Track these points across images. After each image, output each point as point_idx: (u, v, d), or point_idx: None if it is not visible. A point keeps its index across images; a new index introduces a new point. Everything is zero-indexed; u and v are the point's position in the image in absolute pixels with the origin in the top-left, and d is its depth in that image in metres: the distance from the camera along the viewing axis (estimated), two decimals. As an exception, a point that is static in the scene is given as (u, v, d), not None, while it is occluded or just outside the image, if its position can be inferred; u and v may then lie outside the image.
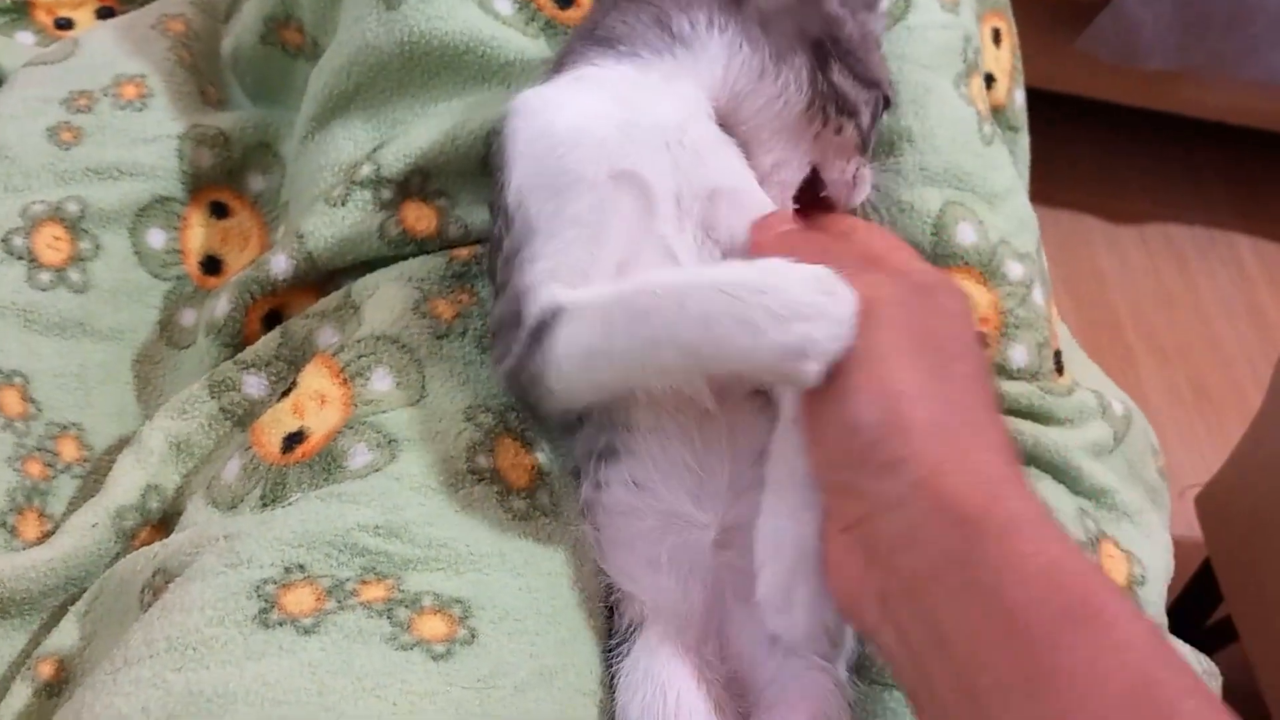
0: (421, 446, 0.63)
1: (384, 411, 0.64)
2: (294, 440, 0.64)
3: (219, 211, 0.82)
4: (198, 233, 0.81)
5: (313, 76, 0.78)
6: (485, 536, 0.60)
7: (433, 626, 0.56)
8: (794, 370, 0.51)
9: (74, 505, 0.70)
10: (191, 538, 0.60)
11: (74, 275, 0.75)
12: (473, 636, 0.56)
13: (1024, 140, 0.91)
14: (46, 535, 0.68)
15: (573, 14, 0.76)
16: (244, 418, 0.69)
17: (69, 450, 0.71)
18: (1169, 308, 2.27)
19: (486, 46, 0.72)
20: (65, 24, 0.98)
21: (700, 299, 0.52)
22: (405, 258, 0.71)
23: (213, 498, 0.65)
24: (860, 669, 0.63)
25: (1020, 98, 0.90)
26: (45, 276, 0.74)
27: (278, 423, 0.65)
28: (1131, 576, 0.72)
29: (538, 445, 0.65)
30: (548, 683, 0.57)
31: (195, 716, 0.50)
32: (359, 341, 0.66)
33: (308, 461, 0.62)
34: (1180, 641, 0.70)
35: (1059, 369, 0.79)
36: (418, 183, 0.71)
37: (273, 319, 0.73)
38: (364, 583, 0.57)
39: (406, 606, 0.56)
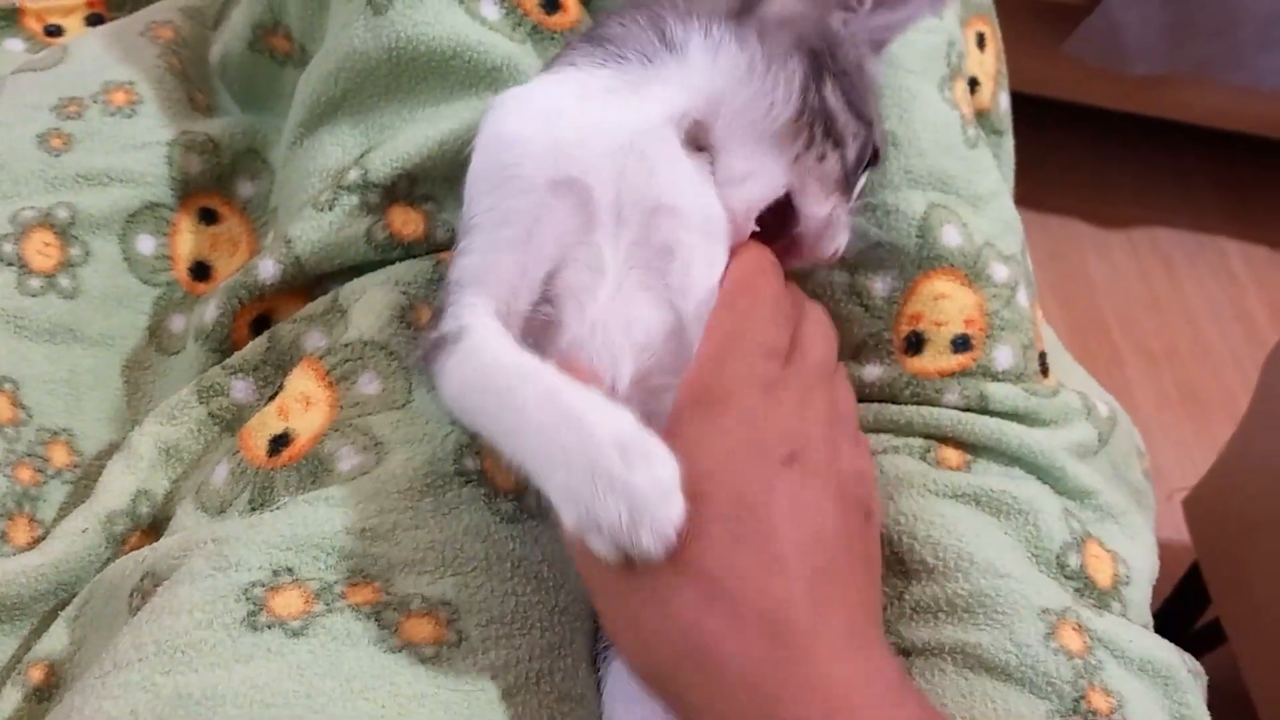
0: (408, 449, 0.63)
1: (370, 414, 0.64)
2: (280, 443, 0.64)
3: (208, 218, 0.82)
4: (187, 239, 0.81)
5: (301, 83, 0.78)
6: (473, 539, 0.61)
7: (421, 629, 0.56)
8: (591, 541, 0.50)
9: (64, 511, 0.70)
10: (180, 541, 0.61)
11: (64, 281, 0.75)
12: (461, 639, 0.56)
13: (1008, 144, 0.91)
14: (37, 541, 0.68)
15: (559, 19, 0.77)
16: (232, 422, 0.70)
17: (59, 456, 0.72)
18: (1157, 312, 2.28)
19: (473, 52, 0.72)
20: (55, 31, 0.99)
21: (553, 438, 0.52)
22: (392, 262, 0.71)
23: (201, 502, 0.65)
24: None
25: (1005, 101, 0.91)
26: (35, 282, 0.74)
27: (264, 426, 0.65)
28: (1116, 576, 0.72)
29: None
30: (535, 686, 0.58)
31: (184, 719, 0.50)
32: (346, 345, 0.67)
33: (295, 465, 0.63)
34: (1167, 641, 0.71)
35: (1044, 370, 0.79)
36: (404, 187, 0.72)
37: (261, 324, 0.73)
38: (352, 585, 0.57)
39: (395, 609, 0.56)
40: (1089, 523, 0.74)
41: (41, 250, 0.75)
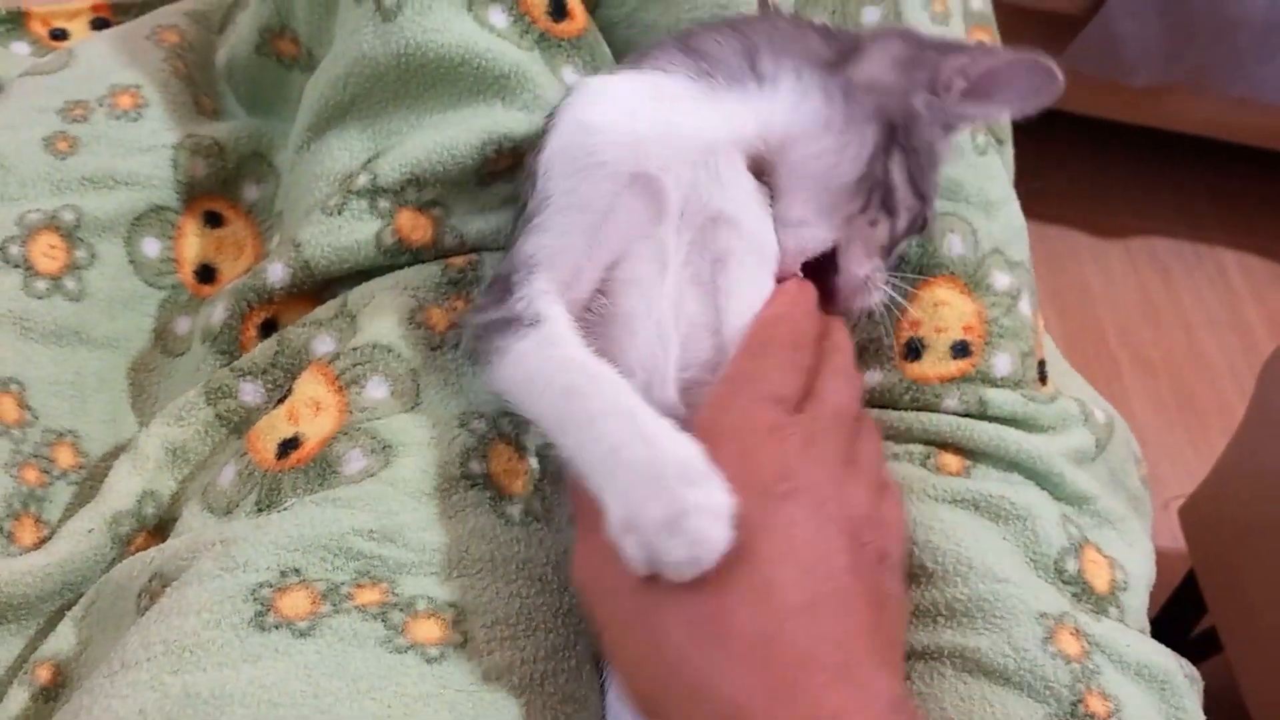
0: (416, 452, 0.63)
1: (379, 418, 0.64)
2: (289, 446, 0.64)
3: (213, 221, 0.83)
4: (192, 242, 0.81)
5: (308, 87, 0.79)
6: (478, 542, 0.61)
7: (427, 630, 0.56)
8: (626, 544, 0.52)
9: (70, 511, 0.70)
10: (188, 543, 0.61)
11: (70, 283, 0.75)
12: (466, 640, 0.57)
13: (1009, 152, 0.92)
14: (43, 541, 0.68)
15: (566, 26, 0.77)
16: (240, 425, 0.70)
17: (65, 457, 0.72)
18: (1154, 321, 2.29)
19: (482, 59, 0.73)
20: (60, 34, 0.99)
21: (621, 450, 0.54)
22: (401, 267, 0.72)
23: (208, 503, 0.65)
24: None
25: (1005, 111, 0.91)
26: (41, 285, 0.74)
27: (273, 429, 0.66)
28: (1114, 582, 0.73)
29: (530, 451, 0.66)
30: (540, 687, 0.58)
31: (192, 718, 0.51)
32: (355, 350, 0.67)
33: (303, 467, 0.63)
34: (1165, 647, 0.71)
35: (1043, 378, 0.80)
36: (413, 193, 0.72)
37: (268, 327, 0.73)
38: (359, 586, 0.57)
39: (401, 610, 0.57)
40: (1087, 528, 0.75)
41: (47, 253, 0.75)
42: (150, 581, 0.60)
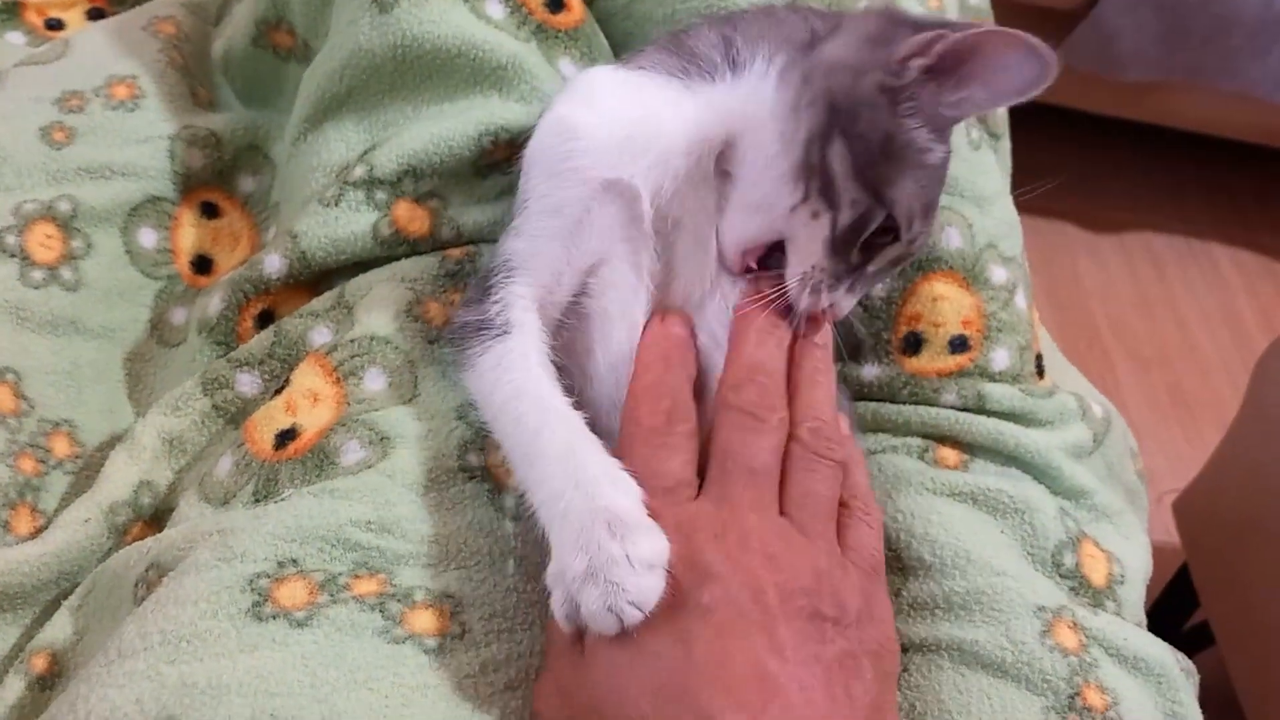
0: (413, 444, 0.63)
1: (377, 410, 0.64)
2: (286, 437, 0.64)
3: (210, 212, 0.82)
4: (189, 232, 0.81)
5: (305, 79, 0.78)
6: (476, 534, 0.61)
7: (425, 621, 0.57)
8: (554, 605, 0.53)
9: (66, 501, 0.70)
10: (185, 533, 0.61)
11: (66, 273, 0.75)
12: (464, 632, 0.57)
13: (1006, 147, 0.92)
14: (39, 530, 0.68)
15: (563, 18, 0.77)
16: (237, 415, 0.70)
17: (61, 446, 0.72)
18: (1147, 315, 2.29)
19: (478, 50, 0.72)
20: (56, 25, 0.99)
21: (560, 498, 0.55)
22: (398, 258, 0.72)
23: (205, 493, 0.65)
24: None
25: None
26: (38, 274, 0.74)
27: (270, 420, 0.65)
28: (1111, 576, 0.73)
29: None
30: (536, 679, 0.58)
31: (189, 708, 0.51)
32: (352, 341, 0.67)
33: (300, 458, 0.63)
34: (1159, 639, 0.71)
35: (1040, 372, 0.80)
36: (410, 184, 0.72)
37: (265, 318, 0.73)
38: (356, 577, 0.57)
39: (399, 601, 0.57)
40: (1084, 522, 0.75)
41: (44, 242, 0.75)
42: (147, 571, 0.60)
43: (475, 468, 0.63)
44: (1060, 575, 0.71)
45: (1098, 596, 0.72)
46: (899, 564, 0.69)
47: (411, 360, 0.67)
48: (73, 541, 0.66)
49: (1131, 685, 0.67)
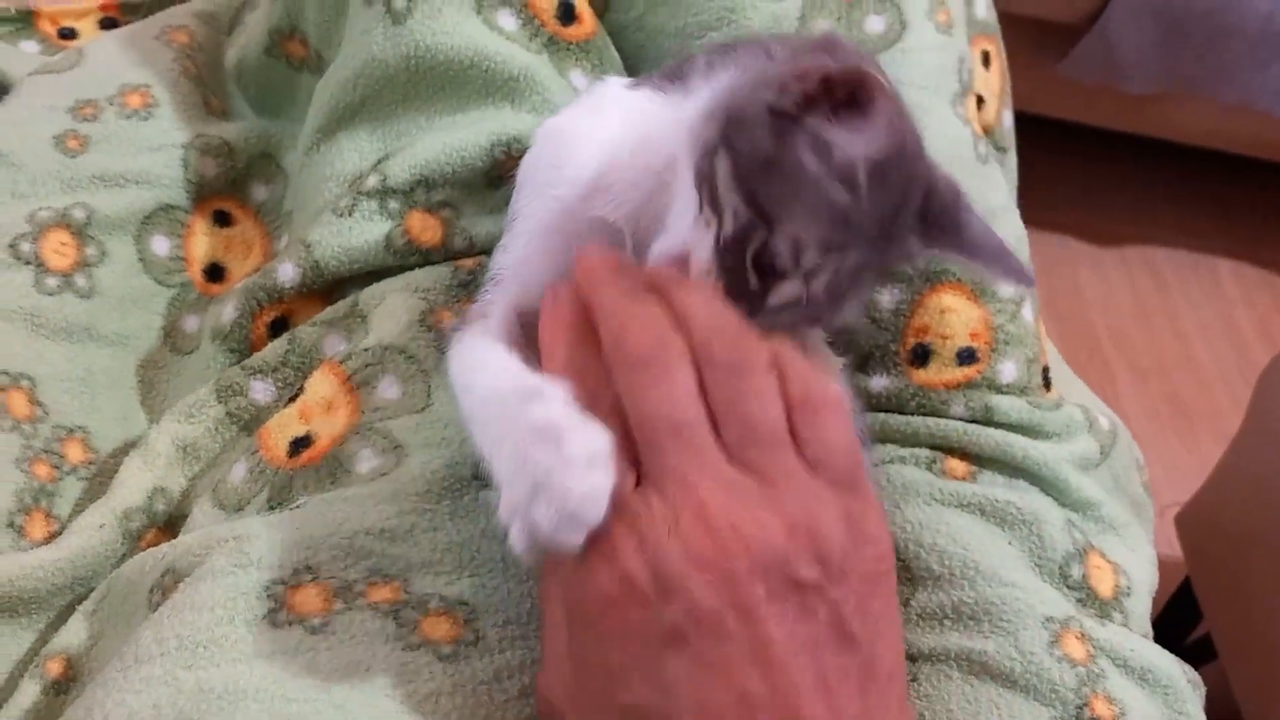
0: (427, 452, 0.64)
1: (391, 418, 0.65)
2: (300, 445, 0.65)
3: (222, 220, 0.83)
4: (201, 241, 0.82)
5: (318, 89, 0.79)
6: (490, 542, 0.61)
7: (439, 628, 0.57)
8: (515, 538, 0.48)
9: (80, 506, 0.70)
10: (200, 539, 0.61)
11: (80, 281, 0.76)
12: (478, 639, 0.57)
13: (1011, 161, 0.92)
14: (53, 536, 0.69)
15: (575, 30, 0.77)
16: (250, 423, 0.70)
17: (75, 453, 0.72)
18: (1148, 328, 2.30)
19: (491, 61, 0.73)
20: (69, 34, 0.99)
21: (498, 429, 0.51)
22: (410, 268, 0.72)
23: (219, 500, 0.66)
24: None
25: (1008, 119, 0.92)
26: (52, 282, 0.75)
27: (284, 427, 0.66)
28: (1118, 587, 0.73)
29: None
30: None
31: (206, 714, 0.51)
32: (366, 350, 0.67)
33: (314, 465, 0.64)
34: (1166, 651, 0.72)
35: (1047, 384, 0.80)
36: (423, 194, 0.72)
37: (278, 326, 0.74)
38: (371, 584, 0.58)
39: (413, 608, 0.57)
40: (1091, 534, 0.75)
41: (58, 250, 0.76)
42: (163, 577, 0.61)
43: (488, 476, 0.64)
44: (1068, 586, 0.71)
45: (1105, 608, 0.72)
46: (907, 574, 0.69)
47: (425, 370, 0.67)
48: (87, 547, 0.66)
49: (1139, 696, 0.67)
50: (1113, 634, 0.69)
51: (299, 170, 0.81)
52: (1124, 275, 2.37)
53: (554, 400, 0.49)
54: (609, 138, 0.62)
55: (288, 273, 0.72)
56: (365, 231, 0.72)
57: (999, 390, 0.75)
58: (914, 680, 0.66)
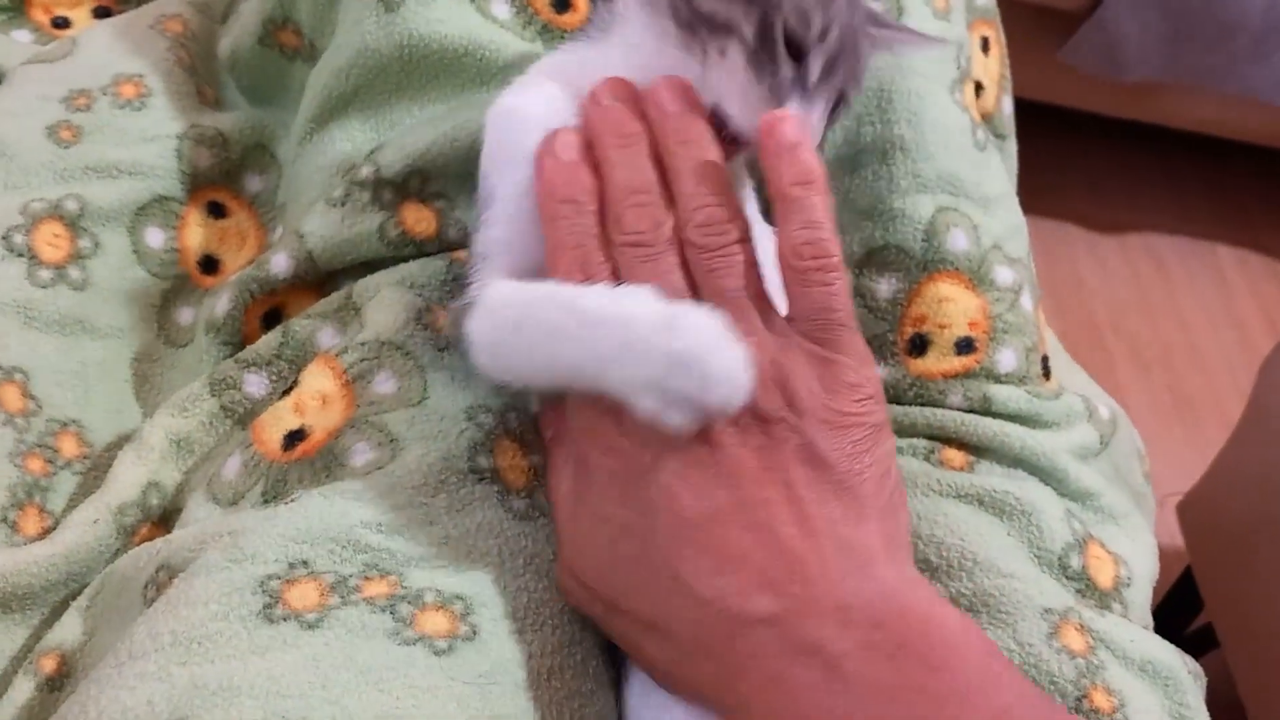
0: (423, 445, 0.63)
1: (386, 412, 0.64)
2: (295, 438, 0.64)
3: (216, 211, 0.82)
4: (196, 232, 0.81)
5: (311, 78, 0.79)
6: (486, 535, 0.61)
7: (435, 622, 0.56)
8: (672, 419, 0.53)
9: (74, 501, 0.70)
10: (195, 534, 0.61)
11: (74, 273, 0.75)
12: (474, 633, 0.57)
13: (1011, 148, 0.92)
14: (47, 531, 0.68)
15: (569, 18, 0.77)
16: (245, 416, 0.70)
17: (69, 447, 0.72)
18: (1150, 316, 2.30)
19: (485, 50, 0.73)
20: (62, 23, 0.99)
21: (601, 338, 0.55)
22: (405, 259, 0.72)
23: (213, 494, 0.65)
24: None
25: (1008, 106, 0.91)
26: (45, 274, 0.74)
27: (279, 421, 0.65)
28: (1117, 578, 0.73)
29: (536, 447, 0.66)
30: (547, 681, 0.58)
31: (200, 709, 0.51)
32: (362, 344, 0.67)
33: (309, 459, 0.63)
34: (1166, 642, 0.72)
35: (1046, 373, 0.80)
36: (417, 184, 0.72)
37: (272, 318, 0.74)
38: (367, 579, 0.57)
39: (409, 602, 0.57)
40: (1091, 524, 0.75)
41: (51, 241, 0.75)
42: (157, 573, 0.60)
43: (485, 469, 0.63)
44: (1067, 577, 0.71)
45: (1104, 599, 0.72)
46: (907, 565, 0.69)
47: (420, 365, 0.67)
48: (81, 542, 0.65)
49: (1139, 688, 0.67)
50: (1112, 625, 0.69)
51: (292, 160, 0.80)
52: (1125, 263, 2.37)
53: (648, 295, 0.54)
54: (550, 96, 0.64)
55: (281, 263, 0.72)
56: (359, 222, 0.71)
57: (997, 380, 0.75)
58: None
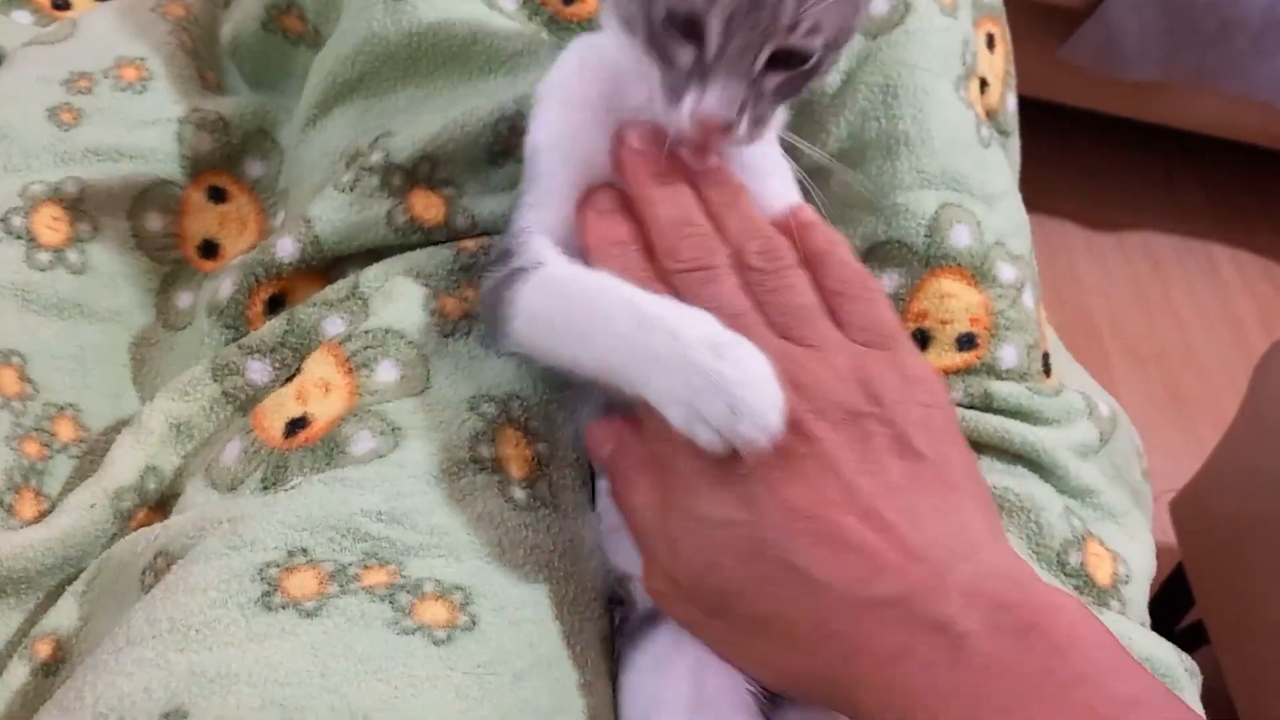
0: (425, 435, 0.63)
1: (389, 401, 0.64)
2: (297, 425, 0.64)
3: (217, 196, 0.82)
4: (196, 217, 0.81)
5: (316, 64, 0.78)
6: (486, 525, 0.61)
7: (434, 612, 0.56)
8: (699, 435, 0.54)
9: (70, 485, 0.70)
10: (194, 520, 0.61)
11: (73, 256, 0.75)
12: (473, 623, 0.57)
13: (1015, 145, 0.92)
14: (43, 515, 0.68)
15: (577, 9, 0.77)
16: (246, 403, 0.69)
17: (66, 431, 0.71)
18: (1146, 314, 2.30)
19: (493, 37, 0.72)
20: (63, 4, 0.98)
21: (651, 343, 0.56)
22: (412, 246, 0.71)
23: (212, 479, 0.65)
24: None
25: (1012, 103, 0.91)
26: (44, 257, 0.74)
27: (280, 408, 0.65)
28: (1116, 575, 0.73)
29: (540, 436, 0.66)
30: (545, 672, 0.58)
31: (198, 696, 0.50)
32: (366, 333, 0.67)
33: (310, 447, 0.63)
34: (1165, 640, 0.72)
35: (1047, 370, 0.80)
36: (425, 170, 0.72)
37: (275, 303, 0.73)
38: (366, 568, 0.57)
39: (408, 592, 0.56)
40: (1090, 521, 0.75)
41: (50, 225, 0.75)
42: (155, 559, 0.60)
43: (486, 459, 0.63)
44: (1065, 574, 0.71)
45: (1103, 596, 0.72)
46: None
47: (425, 354, 0.66)
48: (77, 526, 0.65)
49: (1136, 686, 0.67)
50: (1110, 622, 0.69)
51: (295, 146, 0.80)
52: (1122, 262, 2.37)
53: (708, 319, 0.56)
54: (596, 75, 0.65)
55: (287, 248, 0.71)
56: (367, 208, 0.71)
57: (998, 376, 0.75)
58: None
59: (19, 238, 0.73)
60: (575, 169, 0.65)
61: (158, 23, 0.87)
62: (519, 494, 0.63)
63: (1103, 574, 0.72)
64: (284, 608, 0.54)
